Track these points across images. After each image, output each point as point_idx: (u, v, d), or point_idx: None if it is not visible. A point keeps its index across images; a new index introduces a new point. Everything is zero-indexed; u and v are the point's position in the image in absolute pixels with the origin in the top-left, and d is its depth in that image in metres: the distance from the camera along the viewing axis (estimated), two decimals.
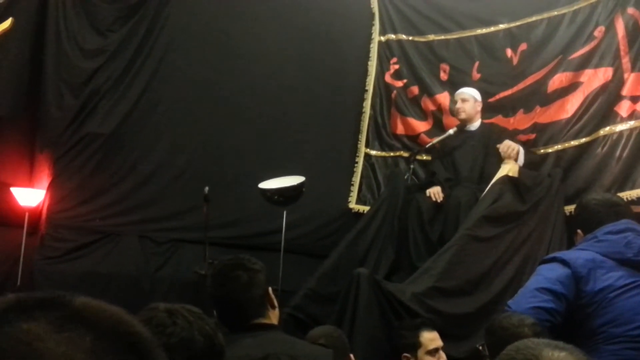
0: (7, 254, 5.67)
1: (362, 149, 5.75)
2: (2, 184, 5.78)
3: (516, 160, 4.83)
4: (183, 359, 1.43)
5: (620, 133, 4.76)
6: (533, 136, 5.18)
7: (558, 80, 5.14)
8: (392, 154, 5.71)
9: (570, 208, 4.52)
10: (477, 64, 5.57)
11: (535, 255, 4.32)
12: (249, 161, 5.75)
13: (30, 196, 5.77)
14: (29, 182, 5.95)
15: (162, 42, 6.16)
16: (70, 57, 6.05)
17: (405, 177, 5.27)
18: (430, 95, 5.66)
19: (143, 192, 5.93)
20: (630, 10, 4.92)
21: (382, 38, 5.92)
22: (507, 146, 4.84)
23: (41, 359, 0.54)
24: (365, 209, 5.43)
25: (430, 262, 4.31)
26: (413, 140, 5.66)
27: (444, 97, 5.60)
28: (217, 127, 5.97)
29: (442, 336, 3.48)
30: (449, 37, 5.76)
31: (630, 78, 4.81)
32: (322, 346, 2.38)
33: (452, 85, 5.54)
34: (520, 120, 5.29)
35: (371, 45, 5.92)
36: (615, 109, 4.82)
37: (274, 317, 2.24)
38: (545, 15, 5.39)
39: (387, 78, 5.85)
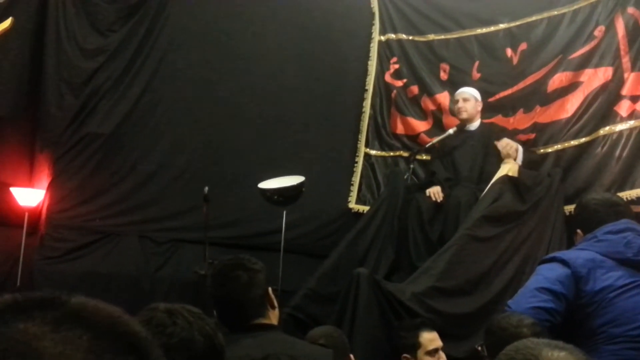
0: (6, 254, 5.67)
1: (362, 149, 5.75)
2: (2, 183, 5.78)
3: (515, 158, 4.83)
4: (183, 359, 1.43)
5: (620, 133, 4.77)
6: (533, 136, 5.18)
7: (558, 79, 5.14)
8: (392, 153, 5.71)
9: (570, 208, 4.52)
10: (477, 63, 5.57)
11: (535, 255, 4.32)
12: (248, 161, 5.75)
13: (30, 196, 5.77)
14: (29, 182, 5.95)
15: (162, 42, 6.16)
16: (71, 57, 6.05)
17: (405, 176, 5.27)
18: (430, 94, 5.66)
19: (143, 192, 5.93)
20: (631, 9, 4.92)
21: (382, 37, 5.92)
22: (506, 143, 4.85)
23: (39, 358, 0.54)
24: (365, 208, 5.43)
25: (430, 262, 4.31)
26: (413, 140, 5.66)
27: (443, 97, 5.60)
28: (217, 127, 5.97)
29: (442, 336, 3.48)
30: (449, 36, 5.75)
31: (630, 78, 4.81)
32: (322, 346, 2.38)
33: (452, 85, 5.54)
34: (520, 120, 5.29)
35: (371, 45, 5.92)
36: (615, 108, 4.83)
37: (274, 317, 2.24)
38: (545, 14, 5.39)
39: (387, 77, 5.85)
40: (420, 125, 5.67)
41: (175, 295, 5.12)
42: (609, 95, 4.88)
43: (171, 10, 6.19)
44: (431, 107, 5.66)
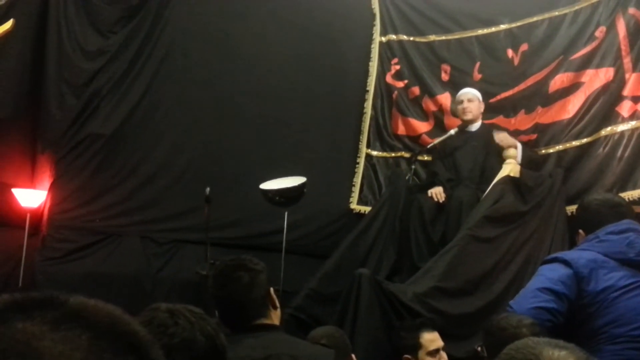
0: (8, 255, 5.68)
1: (363, 150, 5.75)
2: (3, 184, 5.79)
3: (515, 146, 4.85)
4: (185, 359, 1.43)
5: (622, 133, 4.76)
6: (534, 136, 5.18)
7: (559, 80, 5.14)
8: (393, 154, 5.71)
9: (571, 208, 4.52)
10: (478, 64, 5.57)
11: (536, 255, 4.32)
12: (250, 162, 5.76)
13: (31, 197, 5.77)
14: (31, 183, 5.95)
15: (163, 42, 6.17)
16: (72, 58, 6.06)
17: (407, 177, 5.27)
18: (431, 95, 5.66)
19: (144, 193, 5.93)
20: (632, 10, 4.92)
21: (383, 38, 5.92)
22: (505, 136, 4.87)
23: (39, 358, 0.54)
24: (366, 209, 5.43)
25: (431, 262, 4.31)
26: (414, 141, 5.66)
27: (445, 98, 5.60)
28: (218, 127, 5.97)
29: (444, 336, 3.48)
30: (450, 37, 5.76)
31: (631, 78, 4.81)
32: (324, 346, 2.38)
33: (453, 86, 5.54)
34: (521, 121, 5.28)
35: (372, 46, 5.93)
36: (617, 109, 4.82)
37: (275, 317, 2.24)
38: (547, 15, 5.39)
39: (388, 78, 5.85)
40: (422, 126, 5.67)
41: (176, 296, 5.12)
42: (611, 95, 4.88)
43: (172, 11, 6.20)
44: (432, 108, 5.65)
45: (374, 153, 5.74)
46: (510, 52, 5.47)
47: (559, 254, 2.84)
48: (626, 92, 4.81)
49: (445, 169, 5.19)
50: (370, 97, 5.82)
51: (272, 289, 2.26)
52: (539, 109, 5.20)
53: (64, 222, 5.81)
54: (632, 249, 2.65)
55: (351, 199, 5.63)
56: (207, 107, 6.02)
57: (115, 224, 5.84)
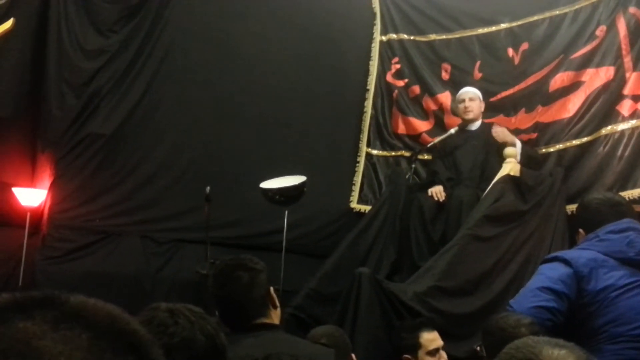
0: (8, 255, 5.68)
1: (364, 149, 5.75)
2: (3, 184, 5.79)
3: (514, 145, 4.86)
4: (185, 359, 1.43)
5: (622, 132, 4.76)
6: (535, 135, 5.18)
7: (559, 79, 5.14)
8: (393, 153, 5.71)
9: (571, 207, 4.53)
10: (478, 63, 5.57)
11: (536, 254, 4.32)
12: (250, 161, 5.76)
13: (31, 196, 5.77)
14: (31, 182, 5.95)
15: (163, 42, 6.16)
16: (72, 58, 6.05)
17: (407, 176, 5.27)
18: (432, 94, 5.66)
19: (144, 193, 5.93)
20: (632, 9, 4.91)
21: (384, 37, 5.93)
22: (502, 131, 4.87)
23: (39, 357, 0.54)
24: (366, 208, 5.43)
25: (431, 261, 4.31)
26: (414, 140, 5.66)
27: (445, 97, 5.60)
28: (218, 127, 5.97)
29: (444, 336, 3.48)
30: (450, 36, 5.75)
31: (631, 77, 4.81)
32: (324, 346, 2.38)
33: (454, 85, 5.54)
34: (521, 120, 5.28)
35: (372, 45, 5.93)
36: (617, 108, 4.82)
37: (275, 317, 2.24)
38: (547, 14, 5.39)
39: (389, 77, 5.85)
40: (422, 125, 5.67)
41: (176, 295, 5.12)
42: (611, 94, 4.88)
43: (172, 11, 6.20)
44: (432, 107, 5.65)
45: (374, 152, 5.74)
46: (510, 51, 5.47)
47: (559, 253, 2.84)
48: (626, 91, 4.81)
49: (445, 168, 5.19)
50: (370, 96, 5.82)
51: (272, 289, 2.26)
52: (540, 108, 5.20)
53: (64, 221, 5.81)
54: (632, 248, 2.65)
55: (351, 198, 5.64)
56: (207, 107, 6.01)
57: (115, 223, 5.84)
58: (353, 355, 2.80)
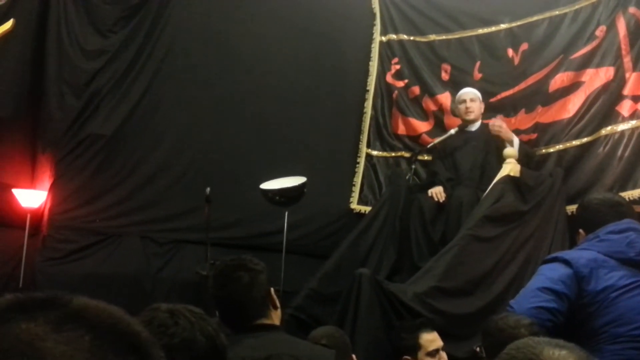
0: (9, 256, 5.68)
1: (364, 149, 5.75)
2: (3, 185, 5.78)
3: (511, 143, 4.85)
4: None
5: (622, 133, 4.76)
6: (535, 136, 5.18)
7: (559, 79, 5.14)
8: (393, 154, 5.71)
9: (572, 208, 4.53)
10: (478, 63, 5.57)
11: (537, 255, 4.32)
12: (250, 161, 5.76)
13: (32, 197, 5.77)
14: (31, 183, 5.95)
15: (163, 42, 6.17)
16: (72, 58, 6.05)
17: (407, 177, 5.27)
18: (432, 95, 5.66)
19: (145, 193, 5.93)
20: (632, 9, 4.91)
21: (384, 38, 5.93)
22: (500, 125, 4.88)
23: (42, 358, 0.54)
24: (366, 209, 5.43)
25: (432, 262, 4.31)
26: (414, 141, 5.67)
27: (445, 97, 5.60)
28: (218, 127, 5.97)
29: (444, 336, 3.48)
30: (450, 37, 5.76)
31: (631, 77, 4.81)
32: (324, 346, 2.38)
33: (454, 85, 5.54)
34: (521, 120, 5.28)
35: (372, 45, 5.93)
36: (617, 108, 4.82)
37: (276, 317, 2.24)
38: (547, 14, 5.39)
39: (388, 78, 5.85)
40: (422, 126, 5.67)
41: (176, 296, 5.12)
42: (611, 95, 4.88)
43: (172, 11, 6.20)
44: (432, 107, 5.66)
45: (374, 153, 5.74)
46: (510, 52, 5.47)
47: (559, 254, 2.84)
48: (626, 91, 4.81)
49: (445, 168, 5.20)
50: (370, 96, 5.82)
51: (272, 289, 2.26)
52: (539, 109, 5.20)
53: (64, 222, 5.81)
54: (632, 248, 2.65)
55: (351, 199, 5.64)
56: (207, 107, 6.02)
57: (116, 224, 5.84)
58: (353, 356, 2.80)
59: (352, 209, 5.60)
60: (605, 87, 4.92)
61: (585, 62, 5.05)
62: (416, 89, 5.74)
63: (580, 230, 2.88)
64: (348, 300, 3.99)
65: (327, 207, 5.64)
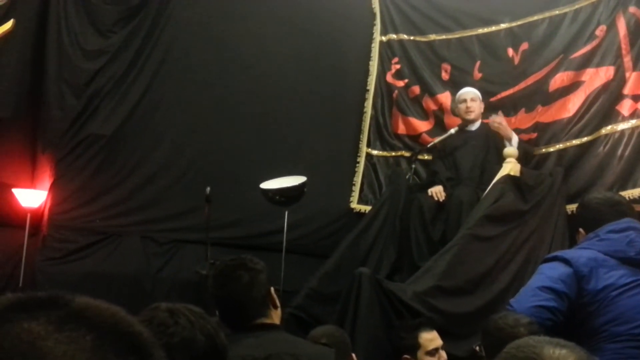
0: (9, 255, 5.68)
1: (364, 149, 5.75)
2: (3, 185, 5.79)
3: (510, 140, 4.84)
4: (185, 359, 1.43)
5: (622, 132, 4.76)
6: (535, 135, 5.18)
7: (559, 79, 5.14)
8: (393, 153, 5.71)
9: (572, 207, 4.53)
10: (478, 63, 5.57)
11: (537, 254, 4.32)
12: (250, 161, 5.76)
13: (32, 197, 5.77)
14: (31, 183, 5.95)
15: (163, 42, 6.17)
16: (72, 58, 6.05)
17: (407, 176, 5.27)
18: (432, 94, 5.66)
19: (144, 193, 5.93)
20: (632, 9, 4.92)
21: (384, 38, 5.93)
22: (500, 119, 4.87)
23: (43, 357, 0.54)
24: (366, 208, 5.43)
25: (431, 261, 4.31)
26: (414, 140, 5.66)
27: (445, 97, 5.60)
28: (218, 127, 5.97)
29: (444, 335, 3.48)
30: (450, 36, 5.76)
31: (631, 77, 4.81)
32: (324, 346, 2.38)
33: (454, 85, 5.54)
34: (521, 120, 5.28)
35: (372, 45, 5.93)
36: (617, 107, 4.82)
37: (276, 317, 2.24)
38: (547, 14, 5.39)
39: (389, 78, 5.85)
40: (422, 125, 5.67)
41: (176, 295, 5.12)
42: (611, 94, 4.88)
43: (172, 11, 6.20)
44: (432, 107, 5.66)
45: (374, 152, 5.74)
46: (510, 51, 5.47)
47: (559, 253, 2.84)
48: (626, 90, 4.81)
49: (445, 168, 5.20)
50: (370, 96, 5.82)
51: (272, 289, 2.26)
52: (539, 108, 5.20)
53: (64, 222, 5.82)
54: (632, 247, 2.65)
55: (351, 199, 5.64)
56: (207, 107, 6.02)
57: (116, 224, 5.84)
58: (353, 355, 2.80)
59: (352, 209, 5.60)
60: (605, 87, 4.92)
61: (586, 62, 5.05)
62: (416, 89, 5.74)
63: (580, 230, 2.88)
64: (348, 300, 3.99)
65: (327, 206, 5.64)
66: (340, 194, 5.65)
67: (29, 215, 5.67)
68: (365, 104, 5.81)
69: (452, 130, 5.21)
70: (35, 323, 0.56)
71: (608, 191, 4.22)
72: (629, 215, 2.81)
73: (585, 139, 4.94)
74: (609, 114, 4.85)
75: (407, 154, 5.62)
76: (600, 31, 5.05)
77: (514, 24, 5.51)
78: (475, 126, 5.23)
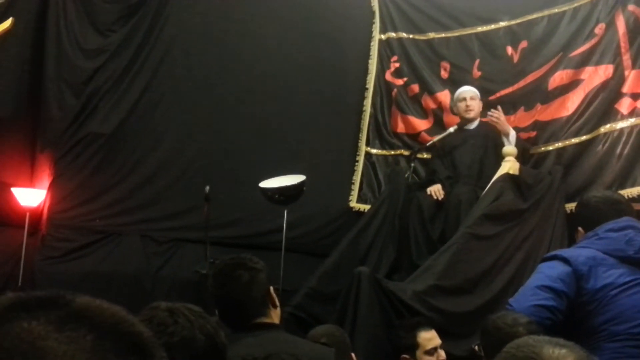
0: (8, 255, 5.68)
1: (363, 148, 5.74)
2: (3, 184, 5.78)
3: (507, 135, 4.85)
4: (184, 358, 1.43)
5: (621, 130, 4.76)
6: (534, 134, 5.19)
7: (559, 77, 5.14)
8: (392, 152, 5.71)
9: (571, 206, 4.53)
10: (477, 61, 5.57)
11: (536, 253, 4.32)
12: (249, 160, 5.75)
13: (31, 196, 5.77)
14: (30, 182, 5.95)
15: (163, 42, 6.16)
16: (71, 57, 6.05)
17: (406, 175, 5.27)
18: (431, 93, 5.66)
19: (144, 192, 5.93)
20: (631, 7, 4.92)
21: (383, 36, 5.92)
22: (499, 115, 4.85)
23: (43, 357, 0.54)
24: (366, 207, 5.43)
25: (431, 260, 4.31)
26: (413, 139, 5.67)
27: (444, 95, 5.60)
28: (217, 126, 5.97)
29: (443, 334, 3.48)
30: (449, 35, 5.75)
31: (630, 75, 4.81)
32: (324, 345, 2.38)
33: (453, 84, 5.54)
34: (521, 118, 5.28)
35: (371, 44, 5.92)
36: (616, 106, 4.82)
37: (275, 316, 2.24)
38: (546, 12, 5.39)
39: (388, 76, 5.84)
40: (421, 124, 5.67)
41: (176, 295, 5.11)
42: (610, 92, 4.88)
43: (171, 10, 6.20)
44: (432, 105, 5.66)
45: (374, 151, 5.74)
46: (509, 50, 5.47)
47: (558, 252, 2.84)
48: (625, 89, 4.81)
49: (444, 166, 5.20)
50: (369, 95, 5.81)
51: (272, 288, 2.26)
52: (538, 106, 5.20)
53: (63, 221, 5.81)
54: (631, 246, 2.65)
55: (351, 197, 5.63)
56: (206, 106, 6.02)
57: (115, 223, 5.84)
58: (353, 355, 2.80)
59: (352, 208, 5.60)
60: (604, 85, 4.92)
61: (585, 60, 5.05)
62: (415, 87, 5.74)
63: (580, 228, 2.88)
64: (347, 299, 4.00)
65: (326, 205, 5.64)
66: (339, 193, 5.65)
67: (28, 215, 5.67)
68: (365, 103, 5.81)
69: (451, 129, 5.20)
70: (35, 323, 0.56)
71: (607, 190, 4.22)
72: (628, 213, 2.81)
73: (584, 138, 4.94)
74: (608, 113, 4.85)
75: (406, 153, 5.62)
76: (599, 29, 5.05)
77: (513, 22, 5.51)
78: (474, 125, 5.23)
